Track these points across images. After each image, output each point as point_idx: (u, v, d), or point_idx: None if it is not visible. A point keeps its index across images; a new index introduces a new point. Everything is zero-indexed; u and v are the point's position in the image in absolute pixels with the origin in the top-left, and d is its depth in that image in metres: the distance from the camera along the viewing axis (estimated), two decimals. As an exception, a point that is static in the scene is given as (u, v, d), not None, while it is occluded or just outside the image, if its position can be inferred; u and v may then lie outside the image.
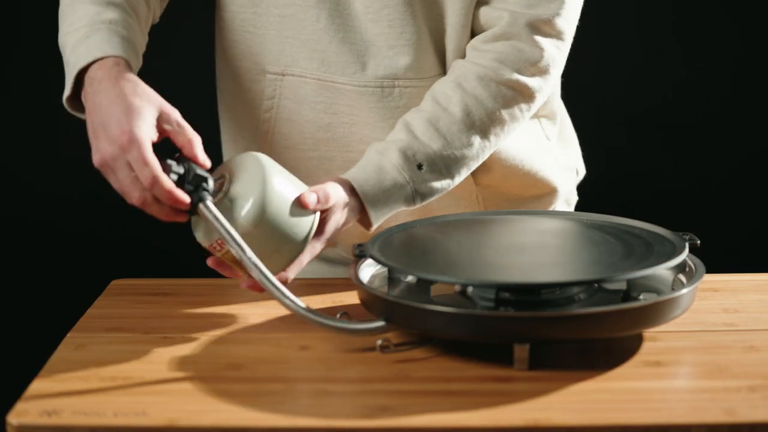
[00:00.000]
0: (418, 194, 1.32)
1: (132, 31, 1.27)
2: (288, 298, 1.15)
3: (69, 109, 1.27)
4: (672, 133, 2.37)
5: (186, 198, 1.15)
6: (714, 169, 2.38)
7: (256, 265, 1.14)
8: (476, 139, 1.33)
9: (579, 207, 1.59)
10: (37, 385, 1.09)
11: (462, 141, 1.32)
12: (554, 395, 1.06)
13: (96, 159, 1.17)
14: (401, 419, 1.01)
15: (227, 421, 1.02)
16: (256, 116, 1.45)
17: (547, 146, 1.50)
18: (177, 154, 1.18)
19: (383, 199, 1.30)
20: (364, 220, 1.32)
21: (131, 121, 1.15)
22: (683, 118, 2.36)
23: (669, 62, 2.35)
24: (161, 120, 1.17)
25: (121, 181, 1.15)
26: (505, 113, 1.34)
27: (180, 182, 1.16)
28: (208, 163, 1.18)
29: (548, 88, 1.37)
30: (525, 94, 1.34)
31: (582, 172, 1.59)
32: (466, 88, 1.32)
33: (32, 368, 1.15)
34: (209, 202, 1.16)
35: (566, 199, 1.55)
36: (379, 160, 1.31)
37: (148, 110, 1.17)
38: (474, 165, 1.35)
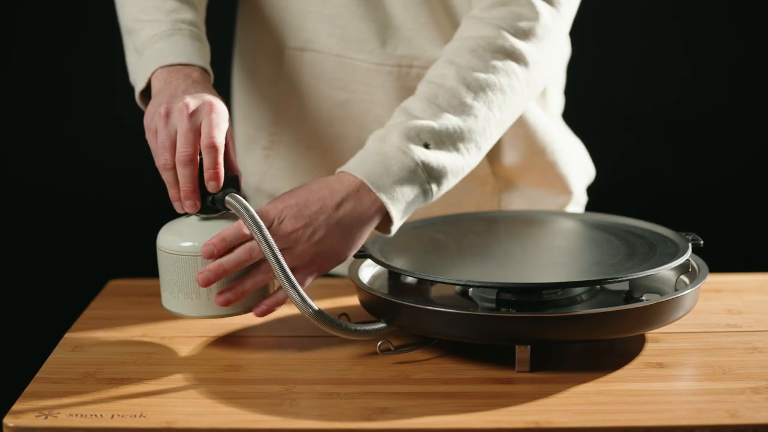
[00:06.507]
0: (431, 177, 1.22)
1: (203, 31, 1.28)
2: (303, 298, 1.12)
3: (138, 99, 1.25)
4: (675, 134, 2.36)
5: (222, 174, 1.13)
6: (717, 169, 2.37)
7: (276, 257, 1.10)
8: (479, 110, 1.26)
9: (586, 208, 1.58)
10: (33, 387, 1.09)
11: (465, 112, 1.25)
12: (556, 397, 1.05)
13: (167, 106, 1.15)
14: (401, 421, 1.01)
15: (225, 423, 1.01)
16: (272, 92, 1.45)
17: (568, 139, 1.49)
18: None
19: (398, 187, 1.20)
20: (383, 222, 1.22)
21: (217, 101, 1.15)
22: (686, 119, 2.35)
23: (672, 64, 2.34)
24: (229, 138, 1.17)
25: (178, 130, 1.13)
26: (503, 81, 1.27)
27: None
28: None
29: (542, 59, 1.31)
30: (519, 60, 1.28)
31: (592, 173, 1.58)
32: (459, 63, 1.27)
33: (29, 370, 1.14)
34: (239, 197, 1.13)
35: (576, 200, 1.54)
36: (380, 146, 1.22)
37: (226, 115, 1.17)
38: (483, 141, 1.27)
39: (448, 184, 1.24)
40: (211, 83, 1.24)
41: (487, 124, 1.26)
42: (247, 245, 1.14)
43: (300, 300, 1.11)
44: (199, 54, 1.24)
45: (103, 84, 2.25)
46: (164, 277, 1.17)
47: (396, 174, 1.19)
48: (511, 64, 1.28)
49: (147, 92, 1.24)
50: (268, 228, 1.14)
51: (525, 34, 1.29)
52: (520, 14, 1.29)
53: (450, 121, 1.23)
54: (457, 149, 1.24)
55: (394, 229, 1.22)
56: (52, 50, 2.24)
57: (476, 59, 1.27)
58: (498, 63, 1.27)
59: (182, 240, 1.15)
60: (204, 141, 1.12)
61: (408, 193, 1.20)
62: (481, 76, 1.26)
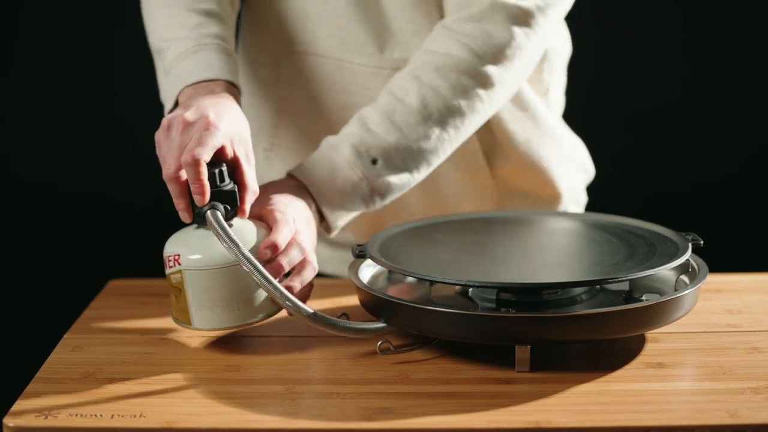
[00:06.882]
0: (375, 192, 1.28)
1: (231, 42, 1.29)
2: (294, 303, 1.12)
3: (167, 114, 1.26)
4: (675, 133, 2.36)
5: (206, 188, 1.12)
6: (717, 169, 2.37)
7: (260, 272, 1.10)
8: (434, 131, 1.29)
9: (586, 208, 1.58)
10: (33, 387, 1.08)
11: (419, 133, 1.28)
12: (556, 397, 1.05)
13: (171, 116, 1.15)
14: (401, 421, 1.01)
15: (225, 423, 1.01)
16: (273, 94, 1.45)
17: (562, 141, 1.49)
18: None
19: (338, 198, 1.27)
20: (323, 223, 1.29)
21: (223, 118, 1.15)
22: (686, 118, 2.35)
23: (673, 64, 2.34)
24: (241, 153, 1.17)
25: (171, 145, 1.13)
26: (463, 104, 1.29)
27: (213, 185, 1.14)
28: (246, 215, 1.17)
29: (510, 79, 1.32)
30: (485, 84, 1.30)
31: (592, 172, 1.58)
32: (423, 80, 1.29)
33: (29, 370, 1.14)
34: (219, 214, 1.13)
35: (576, 200, 1.54)
36: (331, 155, 1.28)
37: (237, 129, 1.16)
38: (434, 159, 1.31)
39: (392, 197, 1.30)
40: (236, 95, 1.24)
41: (441, 144, 1.30)
42: (296, 246, 1.16)
43: (292, 305, 1.11)
44: (225, 68, 1.24)
45: (103, 84, 2.25)
46: (200, 296, 1.14)
47: (339, 186, 1.26)
48: (475, 87, 1.30)
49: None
50: (296, 232, 1.17)
51: (494, 58, 1.29)
52: (492, 35, 1.29)
53: (402, 140, 1.28)
54: (406, 168, 1.29)
55: (334, 233, 1.29)
56: (52, 50, 2.24)
57: (440, 79, 1.28)
58: (461, 85, 1.29)
59: (199, 253, 1.13)
60: (183, 157, 1.12)
61: (348, 203, 1.28)
62: (442, 97, 1.29)
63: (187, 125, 1.13)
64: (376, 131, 1.28)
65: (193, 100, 1.19)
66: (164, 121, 1.15)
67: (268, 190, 1.24)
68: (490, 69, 1.29)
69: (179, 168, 1.13)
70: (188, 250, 1.14)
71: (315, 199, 1.26)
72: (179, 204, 1.14)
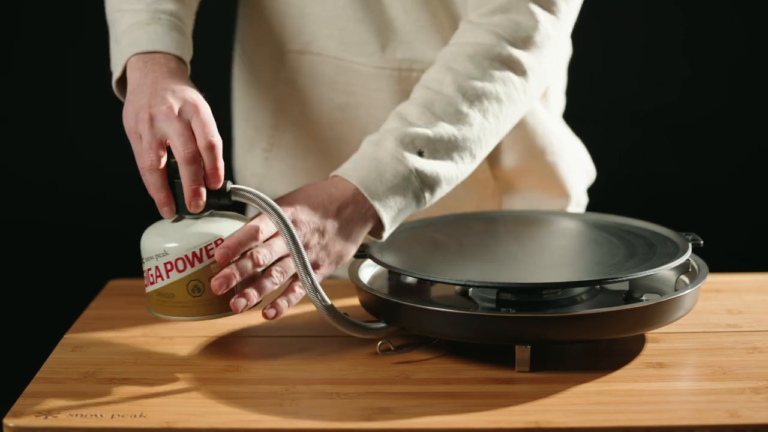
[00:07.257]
0: (425, 185, 1.23)
1: (187, 24, 1.27)
2: (317, 291, 1.12)
3: (115, 87, 1.25)
4: (675, 133, 2.36)
5: (223, 171, 1.12)
6: (717, 169, 2.37)
7: (297, 247, 1.10)
8: (475, 119, 1.26)
9: (587, 208, 1.58)
10: (33, 387, 1.09)
11: (460, 121, 1.25)
12: (556, 397, 1.05)
13: (150, 111, 1.13)
14: (401, 421, 1.01)
15: (226, 423, 1.01)
16: (272, 94, 1.45)
17: (563, 142, 1.49)
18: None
19: (390, 195, 1.21)
20: (376, 227, 1.23)
21: (202, 101, 1.14)
22: (686, 118, 2.35)
23: (673, 64, 2.34)
24: None
25: (160, 135, 1.11)
26: (500, 90, 1.27)
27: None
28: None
29: (540, 67, 1.31)
30: (517, 70, 1.28)
31: (593, 174, 1.58)
32: (457, 69, 1.27)
33: (29, 370, 1.14)
34: (243, 186, 1.13)
35: (577, 201, 1.54)
36: (374, 152, 1.23)
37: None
38: (477, 150, 1.28)
39: (441, 191, 1.25)
40: (185, 72, 1.21)
41: (483, 133, 1.27)
42: (259, 249, 1.13)
43: (313, 289, 1.11)
44: (176, 44, 1.22)
45: (103, 84, 2.24)
46: None
47: (389, 181, 1.21)
48: (509, 74, 1.28)
49: (124, 80, 1.23)
50: (263, 241, 1.14)
51: (524, 44, 1.28)
52: (520, 23, 1.28)
53: (445, 129, 1.24)
54: (451, 158, 1.24)
55: (386, 234, 1.23)
56: (52, 50, 2.24)
57: (474, 66, 1.27)
58: (496, 72, 1.27)
59: (234, 228, 1.13)
60: (202, 142, 1.10)
61: (400, 200, 1.22)
62: (478, 84, 1.26)
63: (179, 111, 1.12)
64: (417, 123, 1.24)
65: (149, 78, 1.17)
66: (144, 115, 1.13)
67: (291, 196, 1.20)
68: (521, 54, 1.28)
69: (198, 148, 1.11)
70: (225, 229, 1.12)
71: (367, 197, 1.20)
72: (196, 191, 1.11)
